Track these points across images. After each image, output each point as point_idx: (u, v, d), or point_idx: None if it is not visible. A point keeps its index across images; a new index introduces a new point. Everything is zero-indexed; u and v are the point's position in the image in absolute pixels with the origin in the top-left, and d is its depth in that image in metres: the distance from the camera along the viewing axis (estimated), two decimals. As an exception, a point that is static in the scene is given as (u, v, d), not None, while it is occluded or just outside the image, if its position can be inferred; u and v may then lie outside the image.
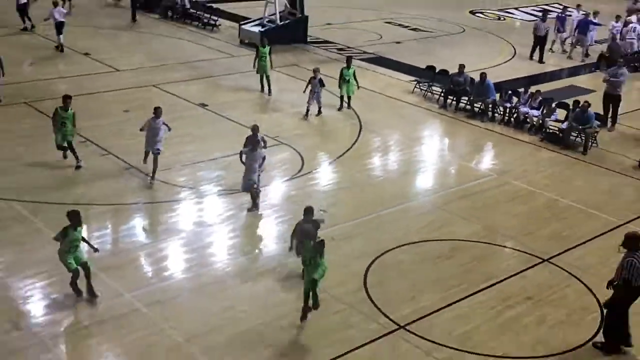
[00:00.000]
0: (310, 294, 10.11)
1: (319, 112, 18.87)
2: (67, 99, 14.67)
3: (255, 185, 13.36)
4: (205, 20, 28.29)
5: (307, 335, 10.09)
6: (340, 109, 19.42)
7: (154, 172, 14.32)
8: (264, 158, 13.47)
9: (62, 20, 23.26)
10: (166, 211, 13.42)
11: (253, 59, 20.51)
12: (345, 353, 9.78)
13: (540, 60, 25.87)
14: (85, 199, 13.62)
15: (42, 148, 15.52)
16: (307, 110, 18.63)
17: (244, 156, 13.38)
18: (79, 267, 10.37)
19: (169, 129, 14.60)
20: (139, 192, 14.13)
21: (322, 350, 9.80)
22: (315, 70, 18.74)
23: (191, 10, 29.21)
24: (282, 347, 9.76)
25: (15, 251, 11.75)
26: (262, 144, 13.71)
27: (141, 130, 14.44)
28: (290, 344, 9.88)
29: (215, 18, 28.39)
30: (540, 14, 27.77)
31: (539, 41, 25.93)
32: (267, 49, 20.13)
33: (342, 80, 19.19)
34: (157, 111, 14.40)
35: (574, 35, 26.79)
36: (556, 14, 28.81)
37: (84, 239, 10.62)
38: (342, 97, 19.41)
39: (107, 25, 27.74)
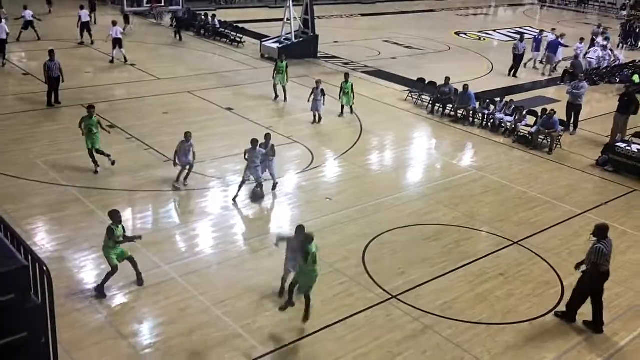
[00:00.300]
0: (304, 298, 9.38)
1: (319, 119, 18.56)
2: (91, 108, 14.22)
3: (251, 179, 13.19)
4: (232, 38, 28.23)
5: (315, 301, 10.06)
6: (340, 115, 19.32)
7: (185, 177, 13.71)
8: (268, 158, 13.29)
9: (120, 37, 23.27)
10: (198, 197, 13.45)
11: (272, 71, 20.45)
12: (347, 317, 9.81)
13: (514, 75, 25.64)
14: (129, 186, 13.65)
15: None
16: (314, 116, 18.59)
17: (246, 154, 13.18)
18: (121, 262, 9.94)
19: (194, 155, 13.60)
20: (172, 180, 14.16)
21: (328, 315, 9.82)
22: (318, 82, 18.59)
23: (220, 29, 29.19)
24: (294, 311, 9.75)
25: (72, 229, 11.79)
26: (266, 150, 13.37)
27: (176, 154, 13.50)
28: (299, 310, 9.85)
29: (241, 36, 28.32)
30: (518, 36, 27.26)
31: (517, 59, 25.69)
32: (284, 63, 20.04)
33: (342, 92, 19.07)
34: (187, 135, 13.42)
35: (544, 54, 26.61)
36: (533, 36, 28.62)
37: (125, 237, 9.97)
38: (342, 107, 19.32)
39: (150, 41, 27.75)
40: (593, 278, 9.75)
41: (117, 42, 23.33)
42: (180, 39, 28.15)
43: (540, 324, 10.07)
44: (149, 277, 10.39)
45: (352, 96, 19.12)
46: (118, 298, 9.94)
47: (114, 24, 23.46)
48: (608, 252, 9.59)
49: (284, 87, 20.24)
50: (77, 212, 12.40)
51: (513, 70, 25.72)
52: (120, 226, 9.95)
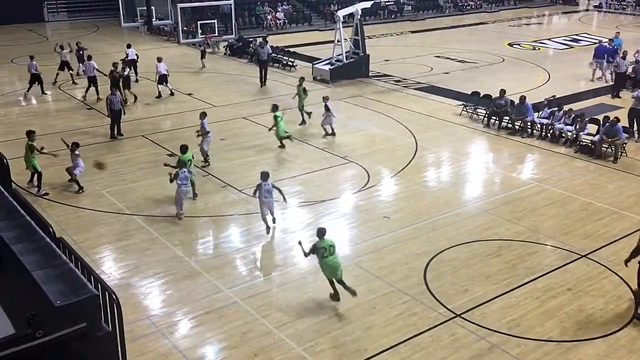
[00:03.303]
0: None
1: (332, 133, 18.80)
2: (31, 133, 14.80)
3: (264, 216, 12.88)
4: (284, 62, 28.64)
5: (377, 322, 10.01)
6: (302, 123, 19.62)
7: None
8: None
9: (165, 73, 23.35)
10: (256, 220, 13.57)
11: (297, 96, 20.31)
12: (411, 337, 9.66)
13: (618, 95, 22.29)
14: (190, 212, 13.95)
15: (155, 172, 16.03)
16: (325, 132, 18.81)
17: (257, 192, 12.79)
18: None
19: (283, 196, 13.09)
20: (234, 205, 14.39)
21: (391, 335, 9.70)
22: (325, 99, 18.82)
23: (272, 54, 29.61)
24: (355, 333, 9.71)
25: (137, 256, 12.11)
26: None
27: (254, 195, 13.05)
28: (362, 330, 9.82)
29: (292, 60, 28.72)
30: (620, 53, 24.08)
31: (619, 77, 22.85)
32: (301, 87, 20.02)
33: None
34: (265, 176, 12.66)
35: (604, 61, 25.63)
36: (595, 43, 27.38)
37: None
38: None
39: (207, 70, 28.39)
40: None
41: (163, 78, 23.29)
42: (264, 83, 25.84)
43: (615, 339, 9.64)
44: (211, 302, 10.55)
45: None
46: (183, 323, 10.11)
47: (159, 60, 23.51)
48: None
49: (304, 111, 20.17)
50: (141, 239, 12.75)
51: (616, 91, 23.02)
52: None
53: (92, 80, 22.61)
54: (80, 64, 25.42)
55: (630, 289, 10.92)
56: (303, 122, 20.04)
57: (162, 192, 14.89)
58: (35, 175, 14.89)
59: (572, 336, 9.72)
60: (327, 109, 18.70)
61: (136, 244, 12.55)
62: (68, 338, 5.07)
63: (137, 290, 11.02)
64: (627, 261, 10.49)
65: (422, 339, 9.64)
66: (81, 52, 26.03)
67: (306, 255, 10.51)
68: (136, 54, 26.26)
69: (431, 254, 12.06)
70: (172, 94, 23.56)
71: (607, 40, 26.84)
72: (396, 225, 13.30)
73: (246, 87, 25.26)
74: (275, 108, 17.72)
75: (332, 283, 10.46)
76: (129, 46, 26.39)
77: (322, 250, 10.23)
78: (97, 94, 22.62)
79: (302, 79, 20.56)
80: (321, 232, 10.38)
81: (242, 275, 11.58)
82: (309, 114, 20.07)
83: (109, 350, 5.56)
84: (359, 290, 10.81)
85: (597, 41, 26.78)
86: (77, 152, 15.02)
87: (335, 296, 10.48)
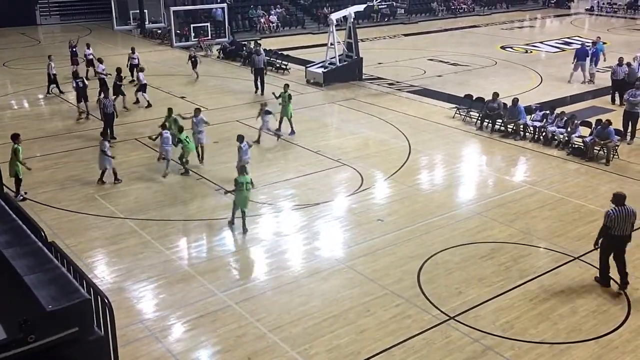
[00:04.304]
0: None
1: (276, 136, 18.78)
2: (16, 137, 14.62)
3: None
4: (278, 65, 28.65)
5: (371, 325, 10.01)
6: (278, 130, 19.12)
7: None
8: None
9: (145, 83, 22.70)
10: (250, 223, 13.56)
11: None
12: (404, 340, 9.66)
13: (621, 103, 21.25)
14: (183, 216, 13.92)
15: (148, 175, 16.00)
16: (259, 137, 18.42)
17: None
18: None
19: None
20: (227, 208, 14.32)
21: (385, 338, 9.69)
22: (263, 105, 18.44)
23: (265, 57, 29.56)
24: (349, 336, 9.70)
25: (130, 260, 12.07)
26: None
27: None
28: (356, 333, 9.81)
29: (286, 63, 28.73)
30: (617, 61, 22.80)
31: (615, 85, 22.30)
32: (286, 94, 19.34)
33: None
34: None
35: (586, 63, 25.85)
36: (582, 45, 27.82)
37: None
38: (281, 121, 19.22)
39: (199, 73, 28.28)
40: (604, 241, 10.85)
41: (142, 88, 22.77)
42: (257, 90, 24.91)
43: (607, 341, 9.67)
44: (205, 305, 10.53)
45: (289, 108, 19.04)
46: (177, 327, 10.08)
47: (141, 70, 23.13)
48: (617, 216, 10.59)
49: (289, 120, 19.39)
50: (134, 243, 12.70)
51: (615, 98, 22.58)
52: None
53: (103, 83, 22.57)
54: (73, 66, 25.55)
55: (625, 292, 10.96)
56: (292, 132, 19.26)
57: (155, 196, 14.86)
58: (14, 180, 14.45)
59: (565, 338, 9.75)
60: (267, 112, 18.30)
61: (129, 248, 12.50)
62: (60, 343, 5.04)
63: (130, 294, 10.98)
64: (595, 243, 11.06)
65: (416, 341, 9.64)
66: (74, 49, 26.55)
67: (229, 192, 13.33)
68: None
69: (425, 257, 12.07)
70: (149, 105, 22.54)
71: (590, 43, 26.96)
72: (390, 228, 13.31)
73: (239, 90, 25.25)
74: (286, 87, 18.83)
75: (235, 212, 13.13)
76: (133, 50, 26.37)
77: (241, 184, 12.82)
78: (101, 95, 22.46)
79: (286, 86, 19.72)
80: (243, 169, 13.18)
81: (236, 279, 11.56)
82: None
83: (101, 355, 5.52)
84: (352, 293, 10.85)
85: (580, 44, 26.91)
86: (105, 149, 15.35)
87: (230, 223, 13.32)
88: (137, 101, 22.91)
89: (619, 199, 10.80)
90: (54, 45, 28.23)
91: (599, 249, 11.03)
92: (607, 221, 10.72)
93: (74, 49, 26.73)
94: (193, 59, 26.71)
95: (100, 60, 23.88)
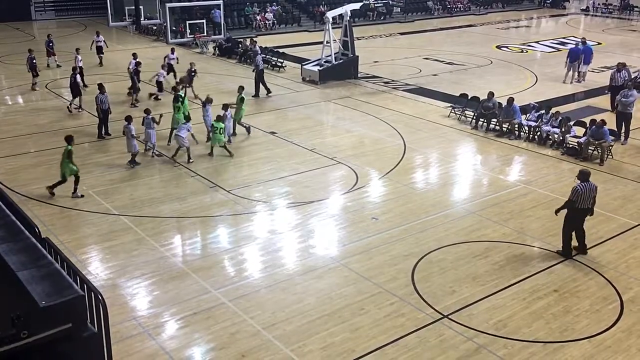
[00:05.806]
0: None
1: (233, 134, 18.79)
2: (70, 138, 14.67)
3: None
4: (273, 62, 28.62)
5: (365, 323, 10.02)
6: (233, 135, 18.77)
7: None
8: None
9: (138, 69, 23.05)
10: (245, 221, 13.57)
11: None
12: (398, 338, 9.68)
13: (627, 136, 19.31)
14: (178, 213, 13.90)
15: (142, 172, 15.96)
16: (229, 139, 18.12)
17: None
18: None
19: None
20: (222, 206, 14.35)
21: (379, 337, 9.71)
22: (225, 107, 17.98)
23: (262, 55, 29.54)
24: (343, 334, 9.71)
25: (124, 257, 12.04)
26: None
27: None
28: (350, 331, 9.83)
29: (282, 60, 28.70)
30: (615, 67, 22.40)
31: (614, 90, 21.41)
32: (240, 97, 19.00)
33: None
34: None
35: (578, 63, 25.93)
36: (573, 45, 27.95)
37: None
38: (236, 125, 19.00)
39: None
40: (569, 213, 11.86)
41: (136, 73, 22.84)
42: (258, 93, 24.33)
43: (600, 340, 9.72)
44: (199, 303, 10.51)
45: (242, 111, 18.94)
46: (170, 324, 10.07)
47: (134, 56, 23.23)
48: (583, 192, 11.55)
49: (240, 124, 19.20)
50: (128, 240, 12.67)
51: (615, 106, 21.04)
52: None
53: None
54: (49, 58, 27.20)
55: (616, 289, 11.01)
56: (234, 133, 18.79)
57: (150, 193, 14.83)
58: (74, 179, 14.57)
59: (558, 337, 9.78)
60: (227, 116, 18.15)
61: (123, 245, 12.47)
62: (53, 339, 5.03)
63: (123, 291, 10.95)
64: (557, 211, 12.11)
65: (410, 340, 9.66)
66: (50, 44, 27.46)
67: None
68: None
69: (419, 255, 12.09)
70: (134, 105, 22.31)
71: (580, 42, 27.04)
72: (384, 226, 13.33)
73: (234, 87, 25.14)
74: (240, 89, 19.12)
75: (213, 148, 16.88)
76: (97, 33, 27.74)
77: (216, 128, 16.68)
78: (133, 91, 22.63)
79: (241, 88, 19.26)
80: (219, 118, 16.94)
81: (230, 276, 11.55)
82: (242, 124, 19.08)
83: (94, 351, 5.52)
84: (347, 291, 10.87)
85: (574, 44, 27.00)
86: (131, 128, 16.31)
87: (210, 154, 16.92)
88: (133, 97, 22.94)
89: (585, 175, 11.76)
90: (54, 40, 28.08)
91: (563, 223, 12.02)
92: (574, 196, 11.64)
93: (50, 43, 27.67)
94: (193, 73, 24.52)
95: (134, 56, 23.47)
